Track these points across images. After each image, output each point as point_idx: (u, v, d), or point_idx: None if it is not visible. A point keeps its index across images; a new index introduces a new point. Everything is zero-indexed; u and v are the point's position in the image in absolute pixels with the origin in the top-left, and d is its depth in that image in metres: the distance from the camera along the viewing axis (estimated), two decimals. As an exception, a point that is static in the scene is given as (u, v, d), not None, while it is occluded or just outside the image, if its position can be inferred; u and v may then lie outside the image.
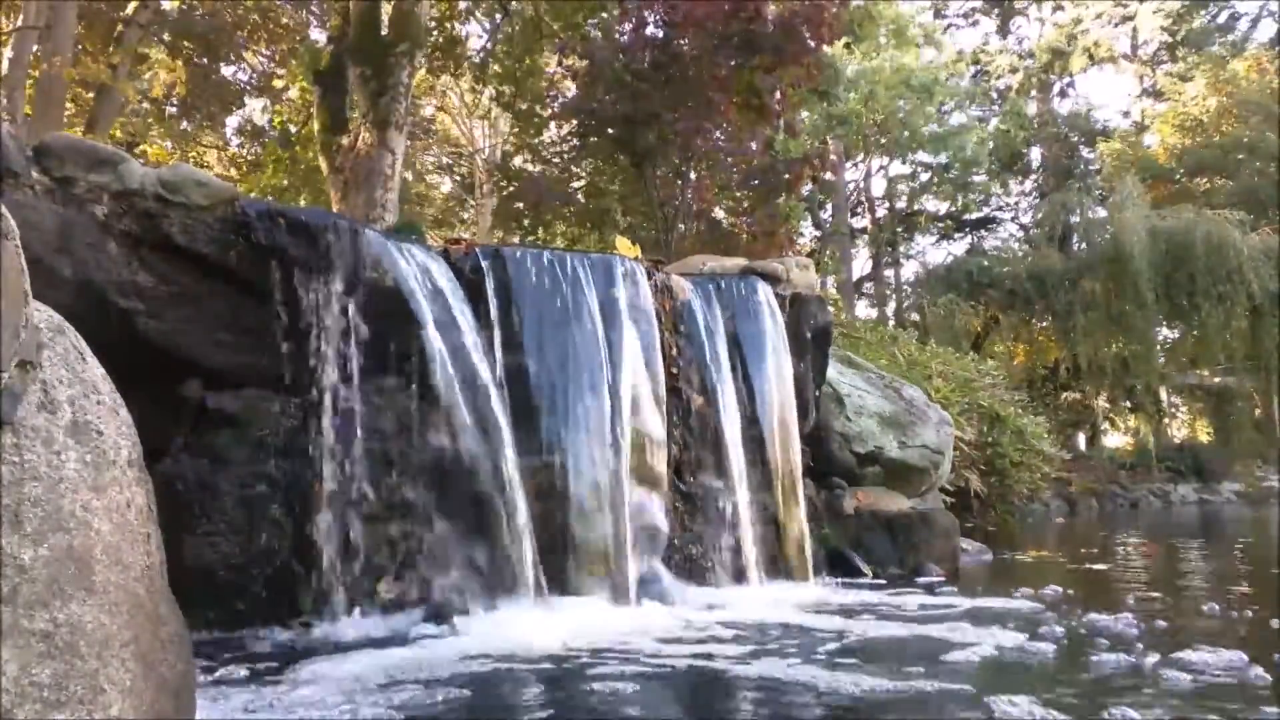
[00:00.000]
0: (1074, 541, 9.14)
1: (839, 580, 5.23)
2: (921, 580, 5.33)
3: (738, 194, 13.04)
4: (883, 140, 20.66)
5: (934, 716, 2.41)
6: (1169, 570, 6.21)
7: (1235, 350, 17.94)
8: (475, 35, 16.07)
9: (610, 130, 11.40)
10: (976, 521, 9.12)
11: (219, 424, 3.71)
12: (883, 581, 5.27)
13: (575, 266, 4.44)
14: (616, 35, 11.92)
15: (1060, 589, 4.52)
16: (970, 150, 20.47)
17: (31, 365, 1.49)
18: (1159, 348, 19.50)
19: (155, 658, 1.58)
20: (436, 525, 3.78)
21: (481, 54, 14.94)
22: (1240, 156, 20.01)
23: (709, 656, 3.03)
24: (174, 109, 14.92)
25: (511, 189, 14.25)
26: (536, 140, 14.88)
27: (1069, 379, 20.22)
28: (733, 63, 10.81)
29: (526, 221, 13.51)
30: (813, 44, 11.13)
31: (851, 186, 23.79)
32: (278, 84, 15.47)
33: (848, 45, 17.77)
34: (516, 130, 15.82)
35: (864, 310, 25.00)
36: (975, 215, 25.06)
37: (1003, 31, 27.55)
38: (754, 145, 11.90)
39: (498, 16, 14.52)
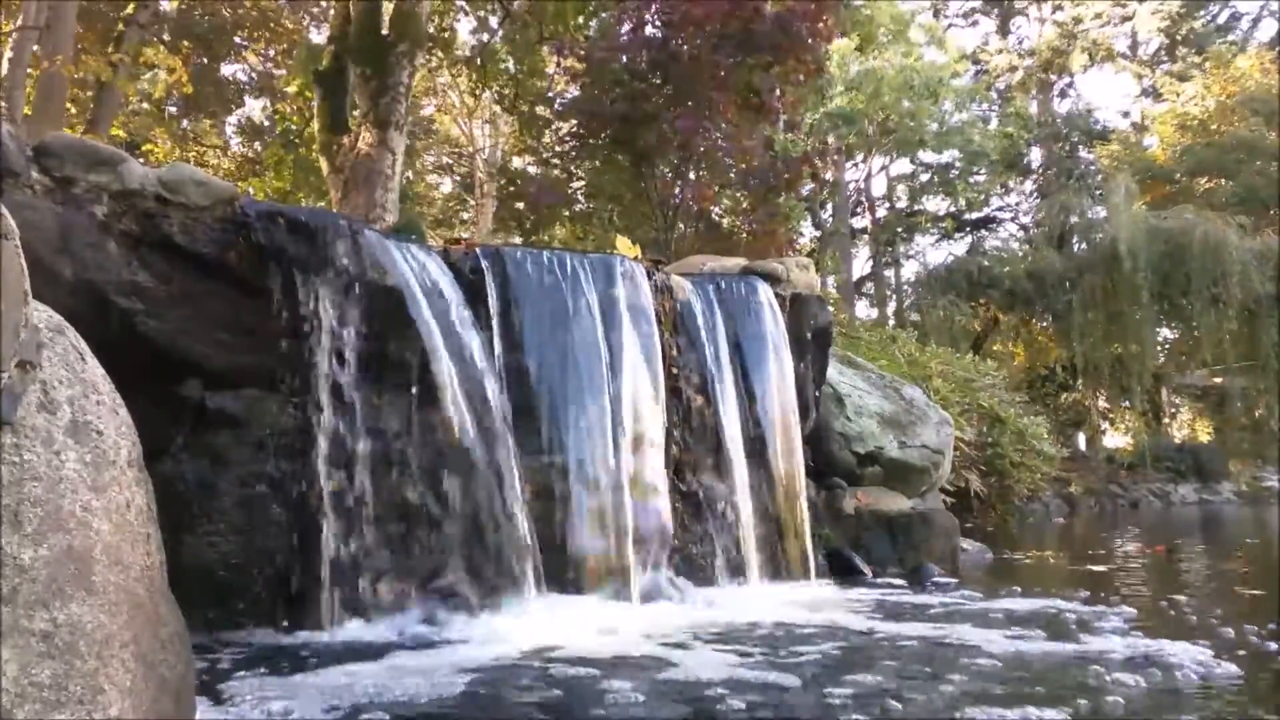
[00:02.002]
0: (1075, 542, 9.14)
1: (843, 580, 5.22)
2: (935, 581, 5.27)
3: (737, 194, 13.05)
4: (884, 140, 20.64)
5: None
6: (1198, 572, 6.17)
7: (1232, 351, 17.95)
8: (468, 32, 16.08)
9: (609, 130, 11.42)
10: (976, 521, 9.12)
11: (219, 424, 3.71)
12: (900, 583, 5.22)
13: (575, 266, 4.44)
14: (616, 35, 11.93)
15: (1087, 591, 4.48)
16: (977, 142, 20.42)
17: (31, 365, 1.49)
18: (1159, 348, 19.51)
19: (155, 658, 1.58)
20: (436, 525, 3.78)
21: (479, 54, 14.94)
22: (1240, 157, 19.99)
23: (727, 656, 3.00)
24: (174, 109, 14.93)
25: (512, 190, 14.27)
26: (537, 142, 14.89)
27: (1068, 379, 20.22)
28: (731, 61, 10.82)
29: (529, 224, 13.53)
30: (811, 41, 11.15)
31: (851, 187, 23.79)
32: (284, 83, 15.48)
33: (859, 48, 17.78)
34: (517, 131, 15.83)
35: (864, 310, 25.04)
36: (975, 215, 25.06)
37: (1003, 31, 27.59)
38: (753, 144, 11.92)
39: (493, 20, 14.52)
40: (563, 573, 3.96)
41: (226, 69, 14.96)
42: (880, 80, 18.73)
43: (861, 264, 26.13)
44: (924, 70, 19.93)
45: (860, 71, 18.83)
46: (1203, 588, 5.24)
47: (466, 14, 15.16)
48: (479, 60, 14.72)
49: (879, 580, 5.29)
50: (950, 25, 26.96)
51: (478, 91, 16.55)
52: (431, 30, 13.35)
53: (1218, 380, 19.99)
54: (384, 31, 10.19)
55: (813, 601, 4.35)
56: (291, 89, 15.26)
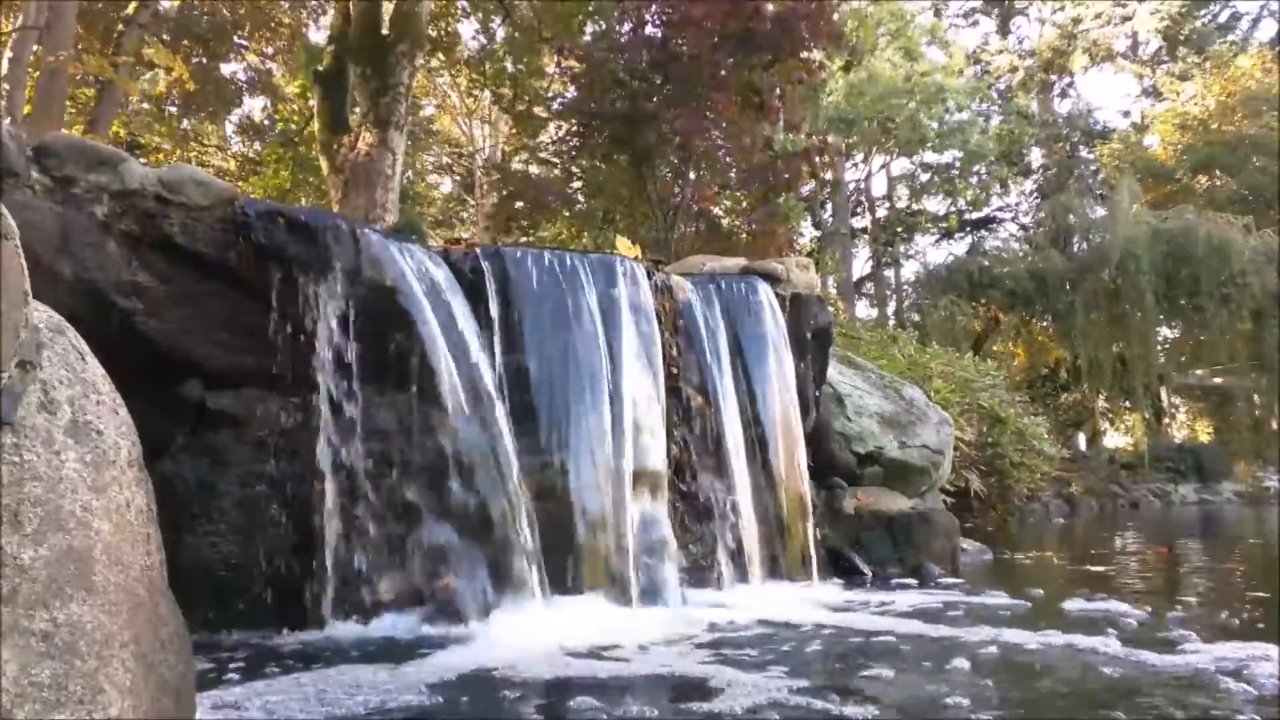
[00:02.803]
0: (1076, 543, 9.12)
1: (845, 581, 5.20)
2: (942, 581, 5.21)
3: (737, 194, 13.04)
4: (884, 140, 20.63)
5: None
6: (1209, 573, 6.07)
7: (1235, 351, 17.94)
8: (472, 35, 16.08)
9: (609, 130, 11.41)
10: (976, 521, 9.12)
11: (219, 424, 3.71)
12: (911, 582, 5.17)
13: (575, 266, 4.44)
14: (616, 35, 11.92)
15: (1104, 594, 4.41)
16: (975, 142, 20.38)
17: (31, 365, 1.48)
18: (1160, 348, 19.49)
19: (155, 658, 1.58)
20: (436, 525, 3.77)
21: (480, 54, 14.95)
22: (1243, 155, 19.96)
23: (730, 660, 2.96)
24: (174, 108, 14.93)
25: (509, 190, 14.26)
26: (535, 141, 14.88)
27: (1069, 379, 20.21)
28: (730, 60, 10.81)
29: (525, 222, 13.52)
30: (810, 40, 11.14)
31: (851, 186, 23.78)
32: (278, 82, 15.48)
33: (844, 67, 17.76)
34: (515, 131, 15.83)
35: (864, 310, 25.04)
36: (975, 215, 25.06)
37: (1003, 31, 27.59)
38: (753, 143, 11.90)
39: (495, 20, 14.52)
40: (563, 573, 3.95)
41: (226, 68, 14.96)
42: (880, 84, 18.69)
43: (861, 264, 26.16)
44: (927, 76, 19.92)
45: (864, 76, 18.79)
46: (1224, 589, 5.14)
47: (468, 16, 15.15)
48: (481, 61, 14.71)
49: (892, 582, 5.23)
50: (950, 26, 26.95)
51: (476, 91, 16.55)
52: (435, 34, 13.38)
53: (1218, 380, 19.98)
54: (384, 31, 10.19)
55: (835, 603, 4.28)
56: (292, 89, 15.28)
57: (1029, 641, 3.18)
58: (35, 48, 8.54)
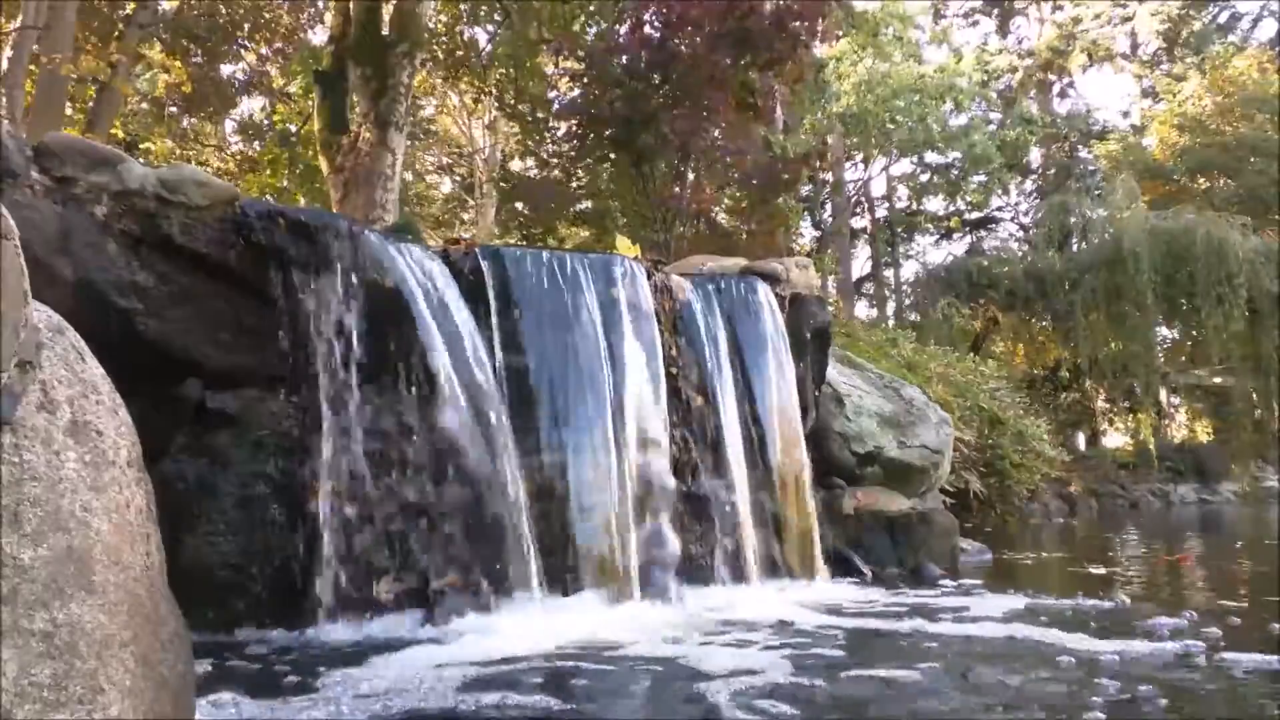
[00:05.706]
0: (1077, 543, 9.10)
1: (848, 581, 5.20)
2: (964, 583, 5.14)
3: (736, 194, 13.05)
4: (885, 142, 20.61)
5: None
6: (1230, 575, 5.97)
7: (1235, 351, 17.92)
8: (482, 40, 16.07)
9: (609, 131, 11.41)
10: (976, 522, 9.12)
11: (219, 424, 3.71)
12: (950, 585, 5.08)
13: (575, 266, 4.45)
14: (614, 35, 11.92)
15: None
16: (981, 147, 20.36)
17: (31, 365, 1.49)
18: (1159, 348, 19.48)
19: (155, 658, 1.58)
20: (436, 526, 3.78)
21: (484, 57, 14.94)
22: (1241, 156, 19.96)
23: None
24: (174, 108, 14.92)
25: (511, 191, 14.25)
26: (537, 145, 14.89)
27: (1069, 379, 20.21)
28: (728, 60, 10.81)
29: (534, 228, 13.53)
30: (806, 40, 11.13)
31: (851, 187, 23.78)
32: (277, 83, 15.47)
33: (859, 47, 17.71)
34: (518, 134, 15.83)
35: (864, 310, 25.04)
36: (975, 215, 25.06)
37: (1002, 31, 27.60)
38: (750, 144, 11.89)
39: (497, 18, 14.51)
40: (563, 573, 3.96)
41: (225, 69, 14.95)
42: (892, 82, 18.65)
43: (861, 264, 26.17)
44: (939, 74, 19.90)
45: (873, 75, 18.75)
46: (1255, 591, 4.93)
47: (478, 22, 15.10)
48: (484, 68, 14.70)
49: (894, 582, 5.19)
50: (951, 25, 26.95)
51: (479, 98, 16.54)
52: (448, 43, 13.37)
53: (1218, 380, 19.96)
54: (384, 32, 10.19)
55: (833, 603, 4.27)
56: (293, 89, 15.27)
57: (991, 632, 3.24)
58: (34, 47, 8.53)
